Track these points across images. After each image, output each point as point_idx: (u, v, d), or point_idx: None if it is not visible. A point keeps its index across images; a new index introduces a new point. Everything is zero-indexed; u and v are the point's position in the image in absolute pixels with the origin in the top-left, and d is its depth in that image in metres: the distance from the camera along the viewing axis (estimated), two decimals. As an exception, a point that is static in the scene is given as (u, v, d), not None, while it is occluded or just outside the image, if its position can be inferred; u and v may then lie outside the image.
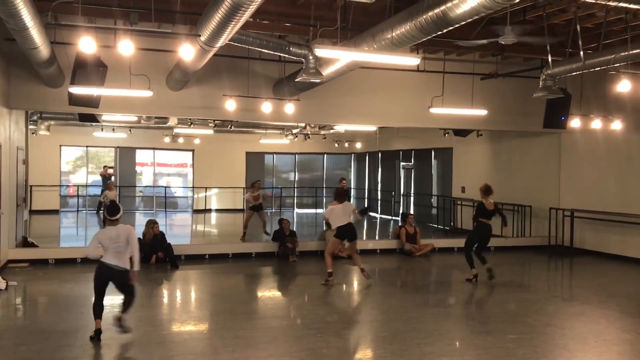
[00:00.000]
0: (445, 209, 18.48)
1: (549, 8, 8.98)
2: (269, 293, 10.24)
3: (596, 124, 11.90)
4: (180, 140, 22.51)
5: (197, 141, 22.85)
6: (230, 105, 11.13)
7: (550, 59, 9.66)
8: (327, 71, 9.18)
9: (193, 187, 23.80)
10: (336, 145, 23.31)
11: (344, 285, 10.90)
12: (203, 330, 7.28)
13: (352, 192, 25.43)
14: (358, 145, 23.16)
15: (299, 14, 9.14)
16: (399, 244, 13.57)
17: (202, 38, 7.32)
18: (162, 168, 25.05)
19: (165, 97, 11.43)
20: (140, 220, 15.20)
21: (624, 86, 9.13)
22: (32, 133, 18.80)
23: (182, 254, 11.98)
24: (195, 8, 8.03)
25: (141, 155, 24.04)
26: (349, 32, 8.37)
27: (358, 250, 10.51)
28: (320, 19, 8.69)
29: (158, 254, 11.46)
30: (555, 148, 14.59)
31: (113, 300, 9.16)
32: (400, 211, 19.87)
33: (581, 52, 9.09)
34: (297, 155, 25.11)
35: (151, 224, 11.88)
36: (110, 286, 6.85)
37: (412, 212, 19.04)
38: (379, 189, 22.59)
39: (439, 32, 6.80)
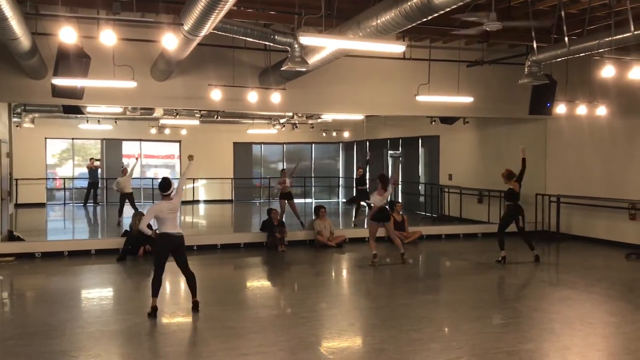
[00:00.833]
0: (433, 196, 18.56)
1: (534, -6, 8.99)
2: (257, 283, 10.24)
3: (581, 109, 11.96)
4: (167, 131, 22.37)
5: (184, 132, 22.73)
6: (216, 95, 11.05)
7: (535, 45, 9.67)
8: (312, 60, 9.13)
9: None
10: (324, 134, 23.27)
11: (333, 274, 10.94)
12: (192, 322, 7.26)
13: (341, 181, 25.48)
14: (346, 134, 23.14)
15: (284, 2, 9.08)
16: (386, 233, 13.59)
17: (186, 27, 7.25)
18: (149, 159, 24.89)
19: (149, 87, 11.33)
20: (128, 212, 15.09)
21: (608, 71, 9.16)
22: (17, 126, 18.59)
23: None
24: (179, -3, 7.94)
25: (128, 147, 23.87)
26: (334, 19, 8.33)
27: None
28: (305, 6, 8.63)
29: (146, 246, 11.40)
30: (541, 134, 14.67)
31: (101, 292, 9.17)
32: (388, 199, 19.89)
33: (566, 38, 9.11)
34: (285, 145, 25.05)
35: (137, 217, 11.81)
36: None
37: (399, 200, 19.08)
38: (367, 177, 22.56)
39: (424, 19, 6.78)
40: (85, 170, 22.03)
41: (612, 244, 12.63)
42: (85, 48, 8.80)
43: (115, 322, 7.23)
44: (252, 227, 14.36)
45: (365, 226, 15.68)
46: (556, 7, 9.15)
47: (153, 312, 7.15)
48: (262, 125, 21.89)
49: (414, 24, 6.99)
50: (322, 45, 8.38)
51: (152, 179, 23.79)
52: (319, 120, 19.66)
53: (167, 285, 9.80)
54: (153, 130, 21.97)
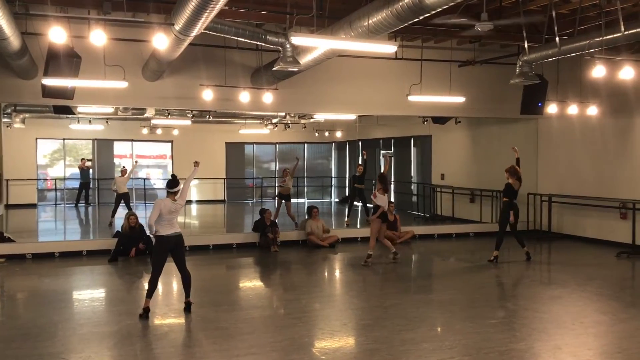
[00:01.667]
0: (425, 196, 18.58)
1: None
2: (250, 284, 10.22)
3: (572, 109, 12.02)
4: (159, 131, 22.27)
5: (175, 132, 22.64)
6: (208, 95, 11.03)
7: (526, 45, 9.71)
8: (304, 59, 9.13)
9: (173, 179, 23.54)
10: (316, 134, 23.24)
11: (326, 274, 10.93)
12: (184, 323, 7.23)
13: (334, 180, 25.47)
14: (338, 134, 23.13)
15: (276, 2, 9.08)
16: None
17: (177, 27, 7.23)
18: (141, 160, 24.78)
19: (141, 87, 11.28)
20: (120, 212, 15.01)
21: (598, 71, 9.21)
22: (7, 126, 18.49)
23: (162, 246, 11.85)
24: (170, -3, 7.91)
25: (119, 147, 23.76)
26: (326, 19, 8.34)
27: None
28: (297, 6, 8.63)
29: (138, 246, 11.36)
30: (532, 134, 14.72)
31: (92, 293, 9.12)
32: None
33: (557, 38, 9.15)
34: (277, 145, 25.01)
35: (129, 216, 11.77)
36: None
37: (392, 199, 19.09)
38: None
39: (415, 19, 6.79)
40: (76, 170, 21.91)
41: (603, 242, 12.70)
42: (75, 48, 8.75)
43: (106, 323, 7.19)
44: (244, 227, 14.33)
45: (358, 225, 15.75)
46: (547, 7, 9.18)
47: (145, 313, 7.14)
48: (255, 125, 21.84)
49: (406, 24, 7.00)
50: (313, 45, 8.37)
51: (144, 179, 23.71)
52: (312, 120, 19.65)
53: (159, 286, 9.77)
54: (145, 131, 21.87)
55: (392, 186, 20.47)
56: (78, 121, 19.42)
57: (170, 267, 7.57)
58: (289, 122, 19.92)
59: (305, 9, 8.39)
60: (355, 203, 16.18)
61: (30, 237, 14.36)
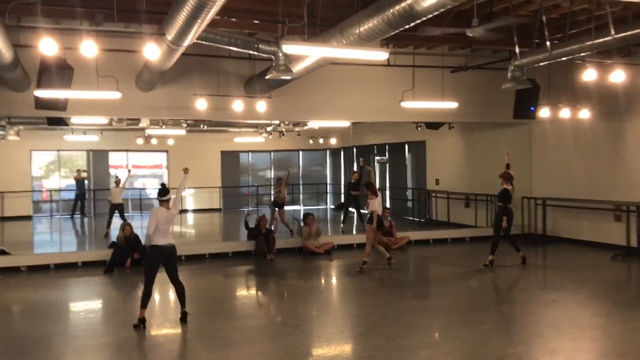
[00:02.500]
0: (420, 201, 18.60)
1: (515, 0, 9.06)
2: (246, 292, 10.20)
3: (565, 113, 12.06)
4: (154, 141, 22.25)
5: (170, 142, 22.61)
6: (201, 104, 11.04)
7: (517, 50, 9.76)
8: (297, 68, 9.15)
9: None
10: (311, 141, 23.28)
11: (322, 281, 10.92)
12: (180, 333, 7.21)
13: (329, 187, 25.48)
14: (333, 141, 23.17)
15: (267, 11, 9.08)
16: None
17: (169, 37, 7.25)
18: (136, 170, 24.73)
19: (134, 98, 11.28)
20: (116, 223, 14.97)
21: (589, 75, 9.26)
22: (1, 138, 18.46)
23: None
24: (162, 7, 7.92)
25: (114, 158, 23.72)
26: (317, 28, 8.35)
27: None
28: (289, 15, 8.63)
29: (134, 256, 11.32)
30: (525, 138, 14.77)
31: (87, 305, 9.08)
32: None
33: (548, 43, 9.20)
34: (272, 153, 25.02)
35: (125, 226, 11.74)
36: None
37: (387, 205, 19.11)
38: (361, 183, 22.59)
39: (407, 26, 6.82)
40: (72, 181, 21.85)
41: (598, 245, 12.72)
42: (68, 59, 8.76)
43: (101, 335, 7.17)
44: (240, 236, 14.30)
45: (354, 232, 15.73)
46: (537, 12, 9.23)
47: (141, 324, 7.10)
48: (249, 133, 21.85)
49: (397, 31, 7.03)
50: (305, 53, 8.40)
51: (140, 189, 23.66)
52: (306, 127, 19.67)
53: (155, 297, 9.73)
54: (140, 141, 21.83)
55: (387, 192, 20.54)
56: (72, 132, 19.38)
57: (166, 277, 7.54)
58: (283, 130, 19.94)
59: (297, 17, 8.40)
60: (350, 209, 16.18)
61: (25, 249, 14.28)
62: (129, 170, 19.21)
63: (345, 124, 17.04)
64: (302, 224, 13.00)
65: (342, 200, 21.23)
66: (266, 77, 9.15)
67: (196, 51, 9.79)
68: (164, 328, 7.39)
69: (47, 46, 6.77)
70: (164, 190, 7.41)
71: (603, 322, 7.34)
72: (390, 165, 20.83)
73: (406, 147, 19.83)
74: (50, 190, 22.82)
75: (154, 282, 7.29)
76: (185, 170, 7.89)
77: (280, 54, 8.43)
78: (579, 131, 13.13)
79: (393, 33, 7.15)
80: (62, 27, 8.46)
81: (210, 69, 11.46)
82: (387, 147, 20.78)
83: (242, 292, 10.12)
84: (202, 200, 23.70)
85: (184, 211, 23.22)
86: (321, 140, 23.50)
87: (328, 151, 25.25)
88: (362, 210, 14.70)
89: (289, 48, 7.20)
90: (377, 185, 19.34)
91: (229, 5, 7.17)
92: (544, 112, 12.01)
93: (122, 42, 10.26)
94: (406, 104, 11.53)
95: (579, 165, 13.34)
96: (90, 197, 22.10)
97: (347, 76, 12.43)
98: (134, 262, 11.29)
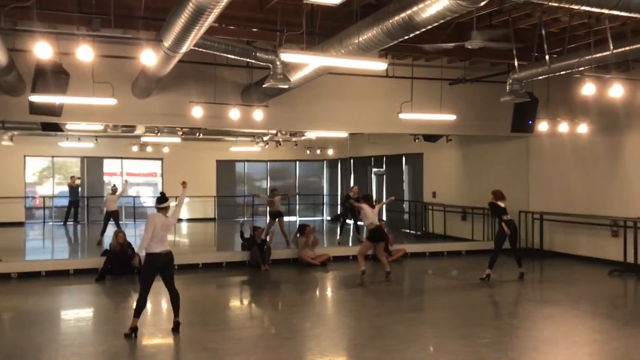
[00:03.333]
0: (417, 213, 18.53)
1: (515, 13, 9.06)
2: (240, 303, 10.08)
3: (563, 127, 12.05)
4: (149, 149, 22.16)
5: (166, 150, 22.52)
6: (197, 112, 10.97)
7: (516, 64, 9.75)
8: (295, 77, 9.10)
9: (163, 197, 23.37)
10: (308, 152, 23.21)
11: (317, 293, 10.81)
12: (172, 343, 7.08)
13: (325, 198, 25.39)
14: (330, 151, 23.12)
15: (266, 19, 9.04)
16: (373, 249, 13.49)
17: (166, 44, 7.19)
18: (131, 178, 24.60)
19: (130, 105, 11.20)
20: (109, 230, 14.83)
21: (588, 89, 9.24)
22: (-5, 144, 18.33)
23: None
24: (160, 14, 7.87)
25: (109, 165, 23.60)
26: (316, 37, 8.31)
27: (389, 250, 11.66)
28: (288, 24, 8.60)
29: (134, 264, 11.14)
30: (523, 152, 14.74)
31: (78, 313, 8.94)
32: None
33: (547, 56, 9.19)
34: (268, 163, 24.94)
35: (118, 234, 11.63)
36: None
37: (384, 217, 19.03)
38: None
39: (406, 37, 6.78)
40: (66, 188, 21.70)
41: (595, 260, 12.65)
42: (64, 65, 8.68)
43: (92, 344, 7.04)
44: (235, 245, 14.18)
45: (350, 244, 15.64)
46: (537, 26, 9.22)
47: (132, 333, 6.99)
48: (246, 142, 21.78)
49: (396, 42, 6.99)
50: (303, 62, 8.35)
51: (134, 197, 23.51)
52: (303, 137, 19.62)
53: (147, 306, 9.61)
54: (135, 148, 21.74)
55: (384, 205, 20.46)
56: (67, 139, 19.27)
57: (158, 286, 7.43)
58: (280, 139, 19.87)
59: (295, 26, 8.37)
60: (347, 221, 16.11)
61: (17, 255, 14.13)
62: (126, 181, 19.13)
63: (343, 134, 16.99)
64: (298, 234, 12.91)
65: (339, 212, 21.15)
66: (263, 86, 9.09)
67: (193, 58, 9.75)
68: (155, 338, 7.27)
69: (43, 50, 6.70)
70: (162, 198, 7.44)
71: (601, 337, 7.25)
72: (387, 177, 20.78)
73: (403, 159, 19.79)
74: (44, 197, 22.67)
75: (149, 292, 7.18)
76: (184, 184, 7.87)
77: (278, 63, 8.38)
78: (577, 145, 13.11)
79: (392, 44, 7.11)
80: (58, 32, 8.39)
81: (207, 77, 11.40)
82: (384, 159, 20.74)
83: (235, 303, 10.00)
84: (197, 210, 23.55)
85: (177, 220, 23.06)
86: (318, 151, 23.43)
87: (325, 162, 25.20)
88: (359, 223, 14.61)
89: (287, 56, 7.15)
90: (374, 197, 19.24)
91: (227, 13, 7.12)
92: (542, 126, 11.99)
93: (119, 49, 10.20)
94: (404, 116, 11.49)
95: (576, 180, 13.30)
96: (84, 205, 21.94)
97: (345, 87, 12.40)
98: (129, 271, 11.07)
